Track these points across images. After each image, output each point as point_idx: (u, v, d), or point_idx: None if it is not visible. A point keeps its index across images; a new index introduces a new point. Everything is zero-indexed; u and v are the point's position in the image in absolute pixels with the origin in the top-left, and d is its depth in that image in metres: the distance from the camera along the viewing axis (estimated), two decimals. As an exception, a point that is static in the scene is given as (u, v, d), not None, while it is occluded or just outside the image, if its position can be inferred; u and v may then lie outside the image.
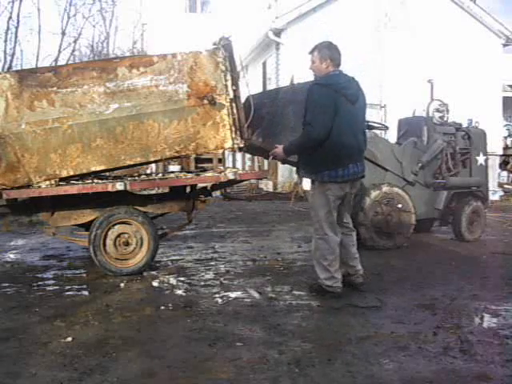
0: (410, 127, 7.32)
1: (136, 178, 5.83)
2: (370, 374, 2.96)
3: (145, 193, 7.26)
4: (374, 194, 6.41)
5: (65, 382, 2.86)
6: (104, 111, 5.00)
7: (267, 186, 13.75)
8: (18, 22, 23.34)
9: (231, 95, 5.23)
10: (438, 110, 7.29)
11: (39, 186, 4.96)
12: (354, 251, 4.58)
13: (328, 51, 4.39)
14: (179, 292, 4.67)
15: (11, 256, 6.32)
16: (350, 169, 4.32)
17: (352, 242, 4.58)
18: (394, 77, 13.06)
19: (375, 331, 3.64)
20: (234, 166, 13.87)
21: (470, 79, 13.46)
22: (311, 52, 4.44)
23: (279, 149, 4.51)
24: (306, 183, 10.51)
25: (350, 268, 4.57)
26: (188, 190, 5.73)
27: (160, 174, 6.53)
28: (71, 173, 5.06)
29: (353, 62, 12.88)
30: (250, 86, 5.95)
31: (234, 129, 5.26)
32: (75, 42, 26.74)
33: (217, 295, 4.52)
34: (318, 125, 4.18)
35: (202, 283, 4.94)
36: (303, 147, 4.37)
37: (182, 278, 5.09)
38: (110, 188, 4.99)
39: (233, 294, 4.56)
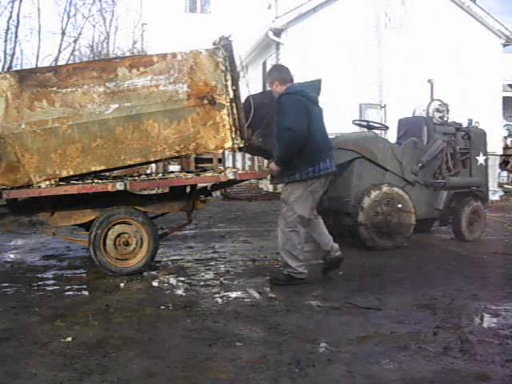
0: (409, 127, 7.32)
1: (136, 177, 5.83)
2: (369, 374, 2.96)
3: (145, 193, 7.27)
4: (373, 194, 6.41)
5: (65, 382, 2.86)
6: (104, 111, 5.00)
7: (267, 186, 13.75)
8: (17, 22, 23.41)
9: (231, 95, 5.23)
10: (437, 110, 7.29)
11: (39, 186, 4.96)
12: (323, 229, 5.00)
13: (277, 73, 4.89)
14: (179, 292, 4.67)
15: (11, 256, 6.32)
16: (328, 162, 4.72)
17: (319, 223, 5.02)
18: (394, 77, 13.06)
19: (375, 331, 3.64)
20: (234, 166, 13.86)
21: (469, 79, 13.45)
22: (269, 81, 4.89)
23: (272, 165, 4.75)
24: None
25: (325, 246, 4.97)
26: (188, 189, 5.73)
27: (160, 174, 6.53)
28: (71, 173, 5.05)
29: (353, 61, 12.97)
30: (250, 86, 5.95)
31: (234, 129, 5.26)
32: (75, 41, 26.84)
33: (217, 295, 4.52)
34: (298, 126, 4.51)
35: (202, 283, 4.94)
36: (291, 152, 4.59)
37: (182, 278, 5.09)
38: (109, 188, 4.99)
39: (233, 294, 4.56)
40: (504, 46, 14.68)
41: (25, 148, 4.88)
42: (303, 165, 4.61)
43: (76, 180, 5.18)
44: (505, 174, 15.98)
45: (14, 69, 21.80)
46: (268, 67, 14.47)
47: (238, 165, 14.06)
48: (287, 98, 4.65)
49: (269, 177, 5.25)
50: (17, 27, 23.55)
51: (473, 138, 7.30)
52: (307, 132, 4.54)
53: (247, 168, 13.38)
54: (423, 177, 6.94)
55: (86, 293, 4.68)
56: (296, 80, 5.99)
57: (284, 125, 4.53)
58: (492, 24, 14.23)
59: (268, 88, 5.16)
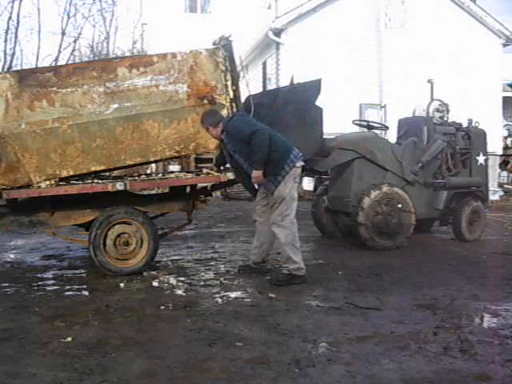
0: (410, 127, 7.32)
1: (136, 178, 5.83)
2: (370, 374, 2.96)
3: (145, 193, 7.27)
4: (373, 194, 6.41)
5: (65, 382, 2.86)
6: (104, 111, 5.00)
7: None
8: (17, 22, 23.38)
9: (231, 95, 5.24)
10: (437, 110, 7.29)
11: (39, 186, 4.96)
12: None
13: (211, 117, 4.95)
14: (179, 292, 4.67)
15: (11, 256, 6.32)
16: (296, 149, 4.88)
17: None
18: (394, 77, 13.04)
19: (375, 331, 3.64)
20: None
21: (469, 79, 13.44)
22: (207, 129, 5.01)
23: (254, 173, 4.78)
24: (307, 183, 10.43)
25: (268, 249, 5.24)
26: (188, 190, 5.73)
27: (160, 174, 6.53)
28: (71, 173, 5.06)
29: (353, 61, 12.97)
30: (250, 86, 5.95)
31: (233, 129, 5.25)
32: (75, 41, 26.79)
33: (217, 295, 4.52)
34: (257, 126, 4.72)
35: (202, 283, 4.94)
36: (265, 151, 4.69)
37: (181, 278, 5.09)
38: (110, 188, 4.99)
39: (233, 294, 4.56)
40: (504, 45, 14.65)
41: (25, 148, 4.88)
42: (283, 156, 4.77)
43: (76, 180, 5.18)
44: (505, 173, 15.97)
45: (13, 69, 21.77)
46: (268, 67, 14.48)
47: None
48: (233, 121, 4.88)
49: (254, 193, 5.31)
50: (17, 27, 23.54)
51: (473, 138, 7.29)
52: (267, 131, 4.74)
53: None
54: (423, 177, 6.94)
55: (86, 293, 4.68)
56: (296, 80, 6.01)
57: (247, 134, 4.69)
58: (492, 24, 14.22)
59: (268, 88, 5.18)
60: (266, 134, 4.71)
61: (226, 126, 4.86)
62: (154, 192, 8.14)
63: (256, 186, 5.12)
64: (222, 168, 5.59)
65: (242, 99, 5.40)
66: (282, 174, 4.77)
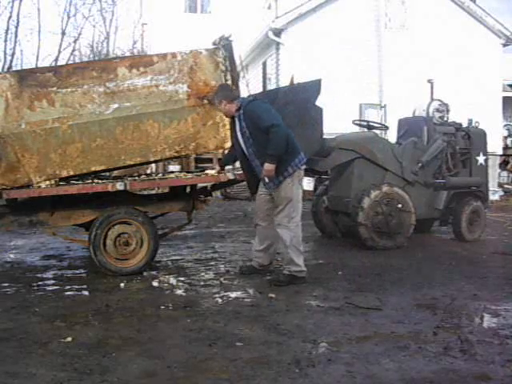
0: (410, 127, 7.32)
1: (136, 177, 5.83)
2: (370, 374, 2.96)
3: (145, 193, 7.27)
4: (373, 193, 6.41)
5: (65, 382, 2.86)
6: (104, 111, 5.00)
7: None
8: (17, 22, 23.39)
9: (231, 95, 5.23)
10: (437, 110, 7.28)
11: (39, 186, 4.96)
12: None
13: (226, 91, 4.85)
14: (179, 292, 4.67)
15: (11, 256, 6.31)
16: (302, 153, 4.87)
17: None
18: (394, 77, 13.04)
19: (375, 331, 3.64)
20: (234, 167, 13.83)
21: (470, 79, 13.43)
22: (215, 103, 4.88)
23: (266, 166, 4.67)
24: (307, 183, 10.44)
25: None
26: (188, 190, 5.73)
27: (160, 174, 6.53)
28: (71, 173, 5.06)
29: (353, 61, 12.96)
30: (250, 86, 5.95)
31: (234, 129, 5.25)
32: (75, 41, 26.79)
33: (217, 295, 4.52)
34: (278, 121, 4.65)
35: (202, 283, 4.94)
36: (282, 146, 4.66)
37: (182, 278, 5.09)
38: (110, 188, 4.99)
39: (233, 294, 4.56)
40: (504, 45, 14.64)
41: (25, 148, 4.88)
42: (290, 157, 4.73)
43: (76, 180, 5.18)
44: (505, 173, 15.97)
45: (13, 69, 21.78)
46: (268, 67, 14.47)
47: (238, 165, 14.05)
48: (257, 102, 4.80)
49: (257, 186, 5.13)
50: (17, 27, 23.55)
51: (473, 137, 7.29)
52: (286, 127, 4.71)
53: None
54: (423, 177, 6.93)
55: (86, 293, 4.68)
56: (296, 80, 6.01)
57: (266, 123, 4.60)
58: (492, 24, 14.21)
59: (268, 88, 5.18)
60: (285, 130, 4.68)
61: (245, 106, 4.75)
62: (154, 192, 8.15)
63: (265, 181, 4.88)
64: (224, 168, 5.54)
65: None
66: (284, 175, 4.74)
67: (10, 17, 22.91)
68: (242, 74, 5.85)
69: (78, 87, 4.95)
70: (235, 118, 4.85)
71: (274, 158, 4.63)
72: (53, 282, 5.03)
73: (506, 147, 15.91)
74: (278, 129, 4.60)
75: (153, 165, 11.42)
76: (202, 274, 5.32)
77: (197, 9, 19.45)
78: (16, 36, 23.66)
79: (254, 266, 5.21)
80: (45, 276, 5.27)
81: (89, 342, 3.42)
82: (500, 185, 14.53)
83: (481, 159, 7.35)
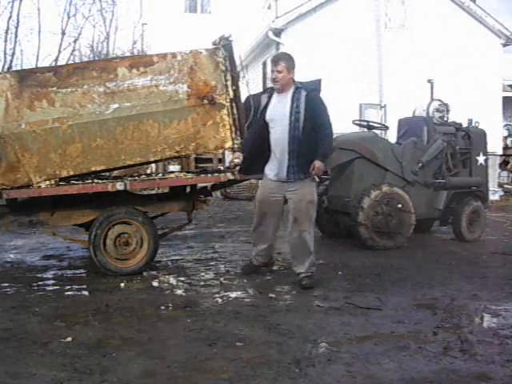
0: (409, 127, 7.32)
1: (136, 177, 5.83)
2: (369, 374, 2.96)
3: (145, 193, 7.26)
4: (373, 193, 6.41)
5: (65, 382, 2.86)
6: (104, 111, 5.00)
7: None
8: (17, 22, 23.42)
9: (231, 95, 5.23)
10: (437, 110, 7.29)
11: (39, 186, 4.95)
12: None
13: (293, 62, 4.71)
14: (179, 292, 4.67)
15: (11, 256, 6.31)
16: None
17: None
18: (394, 77, 13.03)
19: (375, 331, 3.64)
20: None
21: (470, 79, 13.43)
22: (276, 62, 4.66)
23: (318, 163, 4.51)
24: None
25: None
26: (188, 190, 5.73)
27: (160, 174, 6.53)
28: (71, 173, 5.05)
29: (353, 61, 12.96)
30: (250, 86, 5.94)
31: (233, 129, 5.26)
32: (75, 41, 26.84)
33: (217, 295, 4.52)
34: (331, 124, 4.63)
35: (202, 283, 4.94)
36: (332, 148, 4.74)
37: (182, 278, 5.09)
38: (109, 188, 4.99)
39: (233, 294, 4.56)
40: (504, 45, 14.64)
41: (25, 148, 4.88)
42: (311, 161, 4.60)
43: (76, 180, 5.17)
44: (505, 173, 15.97)
45: (13, 69, 21.79)
46: (268, 67, 14.46)
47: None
48: (319, 96, 4.71)
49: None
50: (17, 27, 23.59)
51: (473, 138, 7.30)
52: None
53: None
54: (423, 177, 6.94)
55: (86, 293, 4.68)
56: (296, 80, 6.00)
57: (325, 119, 4.56)
58: (492, 24, 14.21)
59: (268, 86, 5.15)
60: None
61: (311, 91, 4.61)
62: (154, 192, 8.14)
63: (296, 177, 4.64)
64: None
65: (242, 99, 5.40)
66: (301, 177, 4.64)
67: (10, 17, 22.95)
68: (242, 74, 5.84)
69: (78, 87, 4.95)
70: (277, 93, 4.74)
71: (327, 156, 4.64)
72: (53, 282, 5.03)
73: (506, 147, 15.91)
74: (331, 130, 4.59)
75: (153, 165, 11.42)
76: (202, 273, 5.32)
77: (197, 9, 19.45)
78: (16, 36, 23.72)
79: (256, 265, 5.19)
80: (45, 276, 5.27)
81: (89, 342, 3.42)
82: (500, 185, 14.53)
83: (481, 159, 7.36)
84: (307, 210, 4.68)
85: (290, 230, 4.78)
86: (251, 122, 5.34)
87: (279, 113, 4.67)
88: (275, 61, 4.71)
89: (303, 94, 4.59)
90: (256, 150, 4.82)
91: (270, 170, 4.81)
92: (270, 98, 4.78)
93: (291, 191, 4.71)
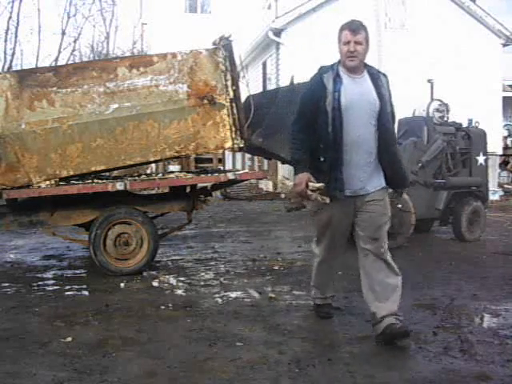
0: (409, 127, 7.31)
1: (136, 177, 5.83)
2: (369, 374, 2.95)
3: (145, 193, 7.27)
4: (374, 193, 6.39)
5: (65, 382, 2.86)
6: (104, 111, 5.00)
7: (267, 186, 13.74)
8: (17, 22, 23.41)
9: (231, 95, 5.24)
10: (438, 110, 7.28)
11: (39, 186, 4.96)
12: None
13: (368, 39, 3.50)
14: (179, 292, 4.67)
15: (11, 256, 6.31)
16: None
17: None
18: (394, 77, 12.98)
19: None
20: (233, 167, 13.88)
21: (470, 79, 13.43)
22: (356, 31, 3.38)
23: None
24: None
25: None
26: (188, 190, 5.73)
27: (160, 174, 6.53)
28: (71, 173, 5.06)
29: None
30: (250, 86, 5.94)
31: (234, 129, 5.26)
32: (75, 41, 26.81)
33: (217, 295, 4.52)
34: None
35: (202, 283, 4.94)
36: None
37: (182, 278, 5.09)
38: (110, 188, 4.99)
39: (233, 294, 4.56)
40: (504, 45, 14.65)
41: (25, 148, 4.88)
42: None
43: (76, 180, 5.18)
44: (505, 173, 15.97)
45: (13, 69, 21.79)
46: (268, 67, 14.47)
47: (238, 165, 14.06)
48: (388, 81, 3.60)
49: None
50: (17, 27, 23.59)
51: (473, 138, 7.29)
52: None
53: (247, 168, 13.38)
54: (423, 177, 6.93)
55: (86, 293, 4.67)
56: (296, 80, 6.00)
57: (391, 106, 3.53)
58: (492, 24, 14.21)
59: (268, 88, 5.13)
60: None
61: (383, 75, 3.53)
62: (154, 192, 8.14)
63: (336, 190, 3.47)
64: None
65: (242, 99, 5.40)
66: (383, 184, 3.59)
67: (10, 17, 22.95)
68: (242, 74, 5.83)
69: (78, 87, 4.95)
70: (347, 74, 3.42)
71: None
72: (53, 282, 5.03)
73: (506, 147, 15.91)
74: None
75: (153, 165, 11.44)
76: (202, 274, 5.31)
77: (197, 9, 19.46)
78: (16, 36, 23.71)
79: (330, 303, 4.04)
80: (45, 276, 5.27)
81: (89, 342, 3.42)
82: (500, 185, 14.53)
83: (481, 159, 7.35)
84: (384, 225, 3.66)
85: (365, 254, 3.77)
86: (251, 122, 5.31)
87: (363, 100, 3.40)
88: (354, 29, 3.38)
89: (382, 77, 3.50)
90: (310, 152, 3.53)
91: (338, 181, 3.44)
92: (335, 80, 3.41)
93: (370, 203, 3.58)
